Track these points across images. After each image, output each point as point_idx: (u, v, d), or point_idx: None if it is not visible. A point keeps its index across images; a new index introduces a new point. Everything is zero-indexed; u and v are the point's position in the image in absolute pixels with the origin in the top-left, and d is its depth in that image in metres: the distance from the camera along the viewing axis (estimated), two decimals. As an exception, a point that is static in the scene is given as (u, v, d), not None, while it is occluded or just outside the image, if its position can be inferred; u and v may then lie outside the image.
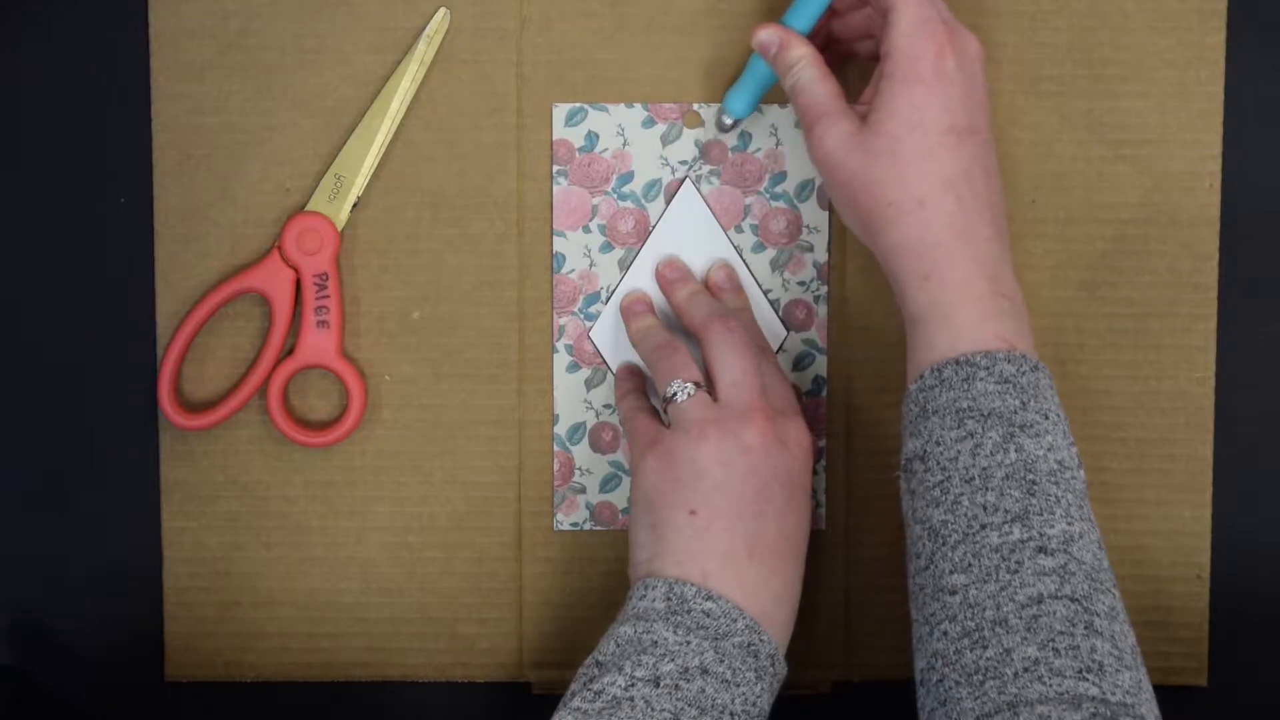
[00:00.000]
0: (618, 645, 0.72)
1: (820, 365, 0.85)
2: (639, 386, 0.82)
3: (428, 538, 0.86)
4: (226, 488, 0.86)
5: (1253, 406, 0.85)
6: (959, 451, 0.68)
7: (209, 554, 0.86)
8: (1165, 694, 0.85)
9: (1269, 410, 0.86)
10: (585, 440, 0.84)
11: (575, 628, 0.86)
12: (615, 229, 0.84)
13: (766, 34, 0.77)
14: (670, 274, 0.83)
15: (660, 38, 0.84)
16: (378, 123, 0.84)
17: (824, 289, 0.84)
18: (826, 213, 0.84)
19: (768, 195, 0.84)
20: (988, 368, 0.69)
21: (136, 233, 0.85)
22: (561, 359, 0.84)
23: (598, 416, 0.85)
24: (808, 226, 0.84)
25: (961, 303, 0.71)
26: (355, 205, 0.85)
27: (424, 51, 0.84)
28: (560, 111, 0.83)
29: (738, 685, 0.71)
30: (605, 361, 0.84)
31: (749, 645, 0.72)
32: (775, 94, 0.83)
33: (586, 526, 0.85)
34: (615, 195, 0.84)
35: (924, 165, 0.71)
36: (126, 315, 0.86)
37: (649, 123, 0.83)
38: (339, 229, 0.84)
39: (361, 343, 0.85)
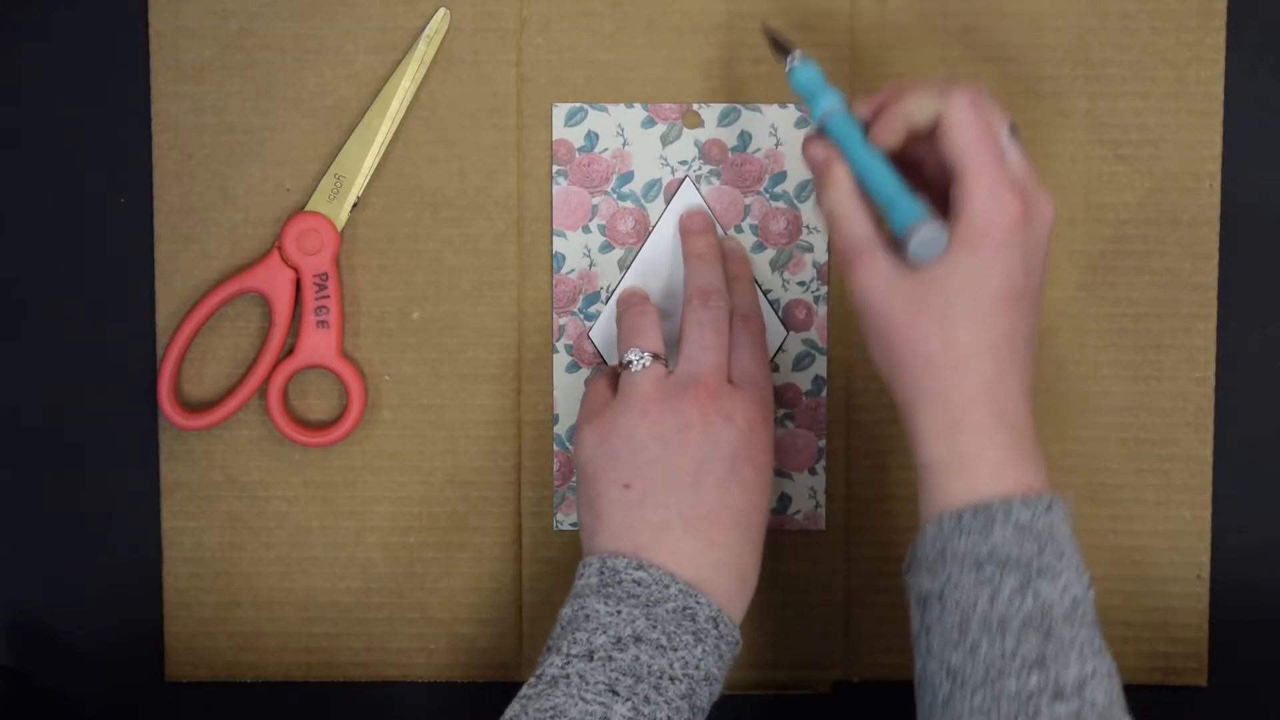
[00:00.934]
0: (560, 627, 0.73)
1: (820, 365, 0.85)
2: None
3: (428, 538, 0.86)
4: (226, 488, 0.86)
5: (1253, 407, 0.85)
6: (978, 597, 0.69)
7: (209, 554, 0.86)
8: (1165, 694, 0.85)
9: (1269, 410, 0.86)
10: None
11: (575, 628, 0.86)
12: (615, 229, 0.84)
13: (815, 150, 0.74)
14: (692, 224, 0.83)
15: (660, 38, 0.84)
16: (378, 123, 0.84)
17: (824, 289, 0.84)
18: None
19: (767, 195, 0.84)
20: (1005, 515, 0.69)
21: (136, 233, 0.85)
22: (561, 359, 0.84)
23: None
24: (807, 227, 0.84)
25: (982, 452, 0.71)
26: (355, 205, 0.85)
27: (424, 51, 0.84)
28: (560, 111, 0.83)
29: (674, 649, 0.71)
30: (604, 361, 0.84)
31: (684, 609, 0.72)
32: (776, 94, 0.83)
33: None
34: (615, 195, 0.84)
35: (971, 328, 0.70)
36: (126, 315, 0.86)
37: (649, 123, 0.83)
38: (339, 229, 0.84)
39: (361, 343, 0.85)
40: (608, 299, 0.84)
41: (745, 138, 0.83)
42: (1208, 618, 0.85)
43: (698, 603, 0.72)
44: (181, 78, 0.85)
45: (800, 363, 0.84)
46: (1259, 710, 0.86)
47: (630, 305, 0.82)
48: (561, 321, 0.84)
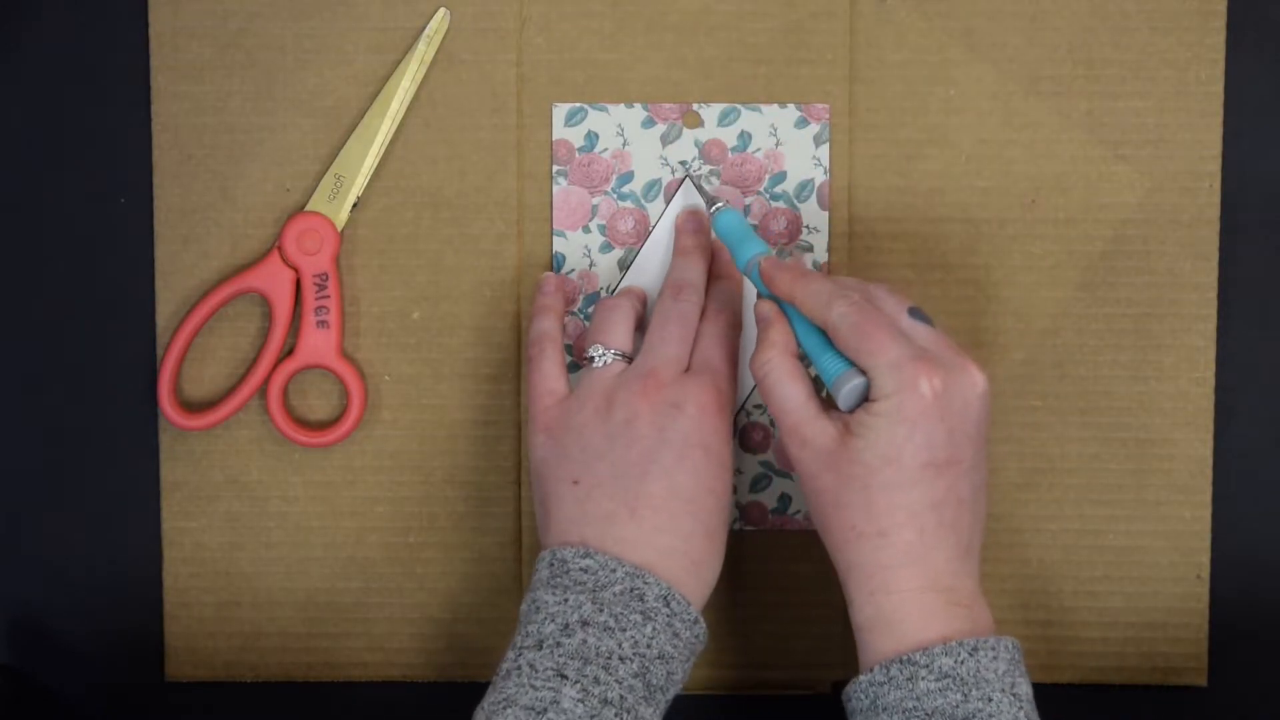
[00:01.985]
0: (518, 623, 0.74)
1: None
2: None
3: (428, 538, 0.86)
4: (226, 488, 0.86)
5: (1252, 407, 0.85)
6: None
7: (209, 554, 0.86)
8: (1165, 694, 0.85)
9: (1269, 410, 0.86)
10: None
11: (575, 628, 0.86)
12: (615, 229, 0.84)
13: (763, 308, 0.78)
14: (685, 223, 0.83)
15: (660, 38, 0.84)
16: (378, 123, 0.84)
17: None
18: (826, 213, 0.84)
19: (767, 195, 0.84)
20: (927, 665, 0.70)
21: (136, 233, 0.85)
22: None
23: None
24: (808, 227, 0.84)
25: (906, 615, 0.72)
26: (355, 205, 0.85)
27: (424, 51, 0.84)
28: (560, 111, 0.83)
29: (623, 630, 0.72)
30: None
31: (631, 590, 0.73)
32: (776, 93, 0.83)
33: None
34: (615, 195, 0.84)
35: (893, 498, 0.72)
36: (126, 315, 0.86)
37: (649, 123, 0.83)
38: (339, 229, 0.84)
39: (361, 343, 0.85)
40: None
41: (745, 138, 0.83)
42: (1207, 618, 0.85)
43: (645, 583, 0.73)
44: (181, 78, 0.85)
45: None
46: (1259, 710, 0.86)
47: (606, 300, 0.82)
48: None
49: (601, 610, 0.72)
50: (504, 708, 0.70)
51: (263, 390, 0.85)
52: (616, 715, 0.70)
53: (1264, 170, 0.85)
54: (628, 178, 0.84)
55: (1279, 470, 0.86)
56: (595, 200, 0.84)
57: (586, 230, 0.84)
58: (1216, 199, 0.84)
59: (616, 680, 0.71)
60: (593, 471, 0.76)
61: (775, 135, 0.83)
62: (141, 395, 0.86)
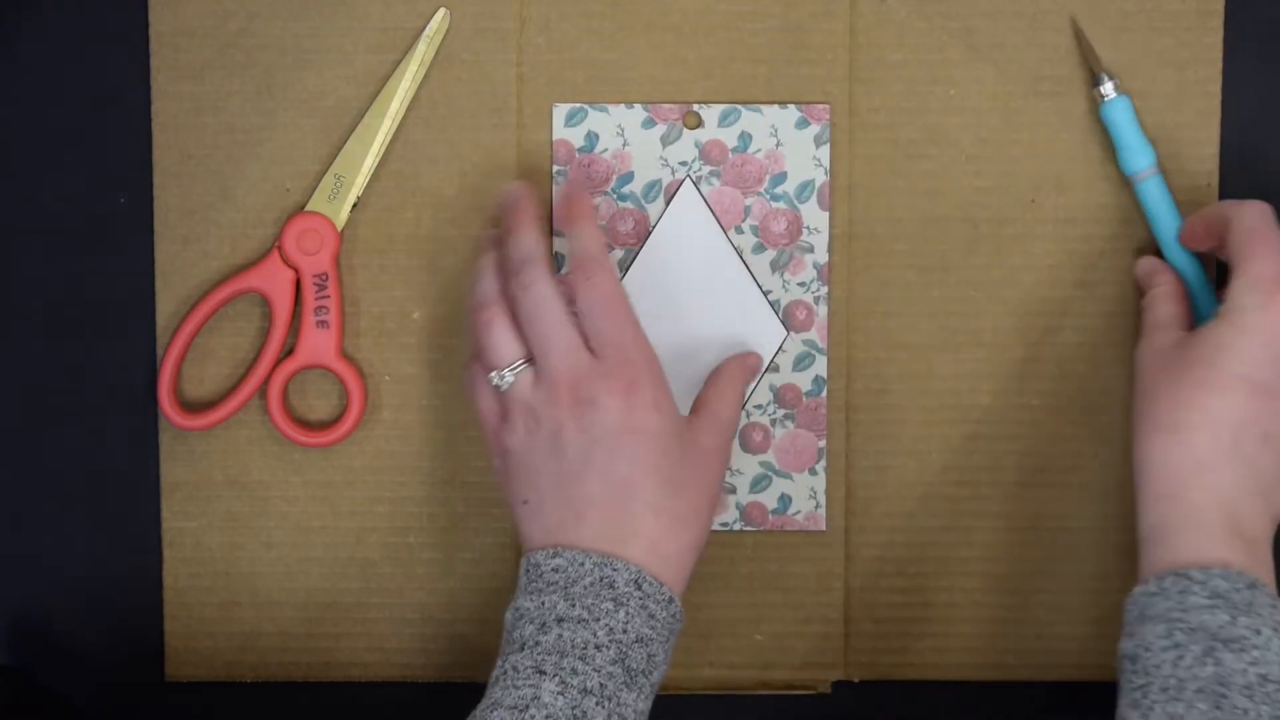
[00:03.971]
0: (503, 634, 0.75)
1: (820, 365, 0.85)
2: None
3: (427, 538, 0.86)
4: (226, 488, 0.86)
5: (1251, 405, 0.85)
6: (1163, 661, 0.70)
7: (209, 554, 0.86)
8: (1164, 692, 0.85)
9: (1267, 409, 0.86)
10: None
11: (575, 627, 0.86)
12: (615, 230, 0.84)
13: (1144, 264, 0.83)
14: (504, 199, 0.80)
15: (660, 38, 0.84)
16: (378, 123, 0.84)
17: (824, 289, 0.84)
18: (827, 213, 0.84)
19: (768, 196, 0.84)
20: (1202, 582, 0.70)
21: (136, 233, 0.85)
22: None
23: None
24: (808, 228, 0.84)
25: (1188, 526, 0.72)
26: (355, 205, 0.85)
27: (424, 51, 0.84)
28: (560, 112, 0.83)
29: (596, 619, 0.72)
30: None
31: (602, 579, 0.73)
32: (777, 93, 0.84)
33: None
34: (615, 196, 0.84)
35: (1197, 396, 0.74)
36: (126, 315, 0.85)
37: (649, 123, 0.83)
38: (339, 229, 0.84)
39: (361, 343, 0.85)
40: None
41: (745, 138, 0.83)
42: (1207, 616, 0.86)
43: (614, 569, 0.73)
44: (181, 78, 0.85)
45: (800, 363, 0.84)
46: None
47: (476, 311, 0.78)
48: None
49: (574, 605, 0.72)
50: (490, 710, 0.70)
51: (263, 390, 0.85)
52: (598, 703, 0.70)
53: (1262, 170, 0.85)
54: (628, 178, 0.84)
55: (1278, 469, 0.86)
56: (595, 201, 0.84)
57: None
58: (1215, 198, 0.84)
59: (594, 669, 0.71)
60: (537, 489, 0.76)
61: (776, 136, 0.83)
62: (141, 395, 0.86)
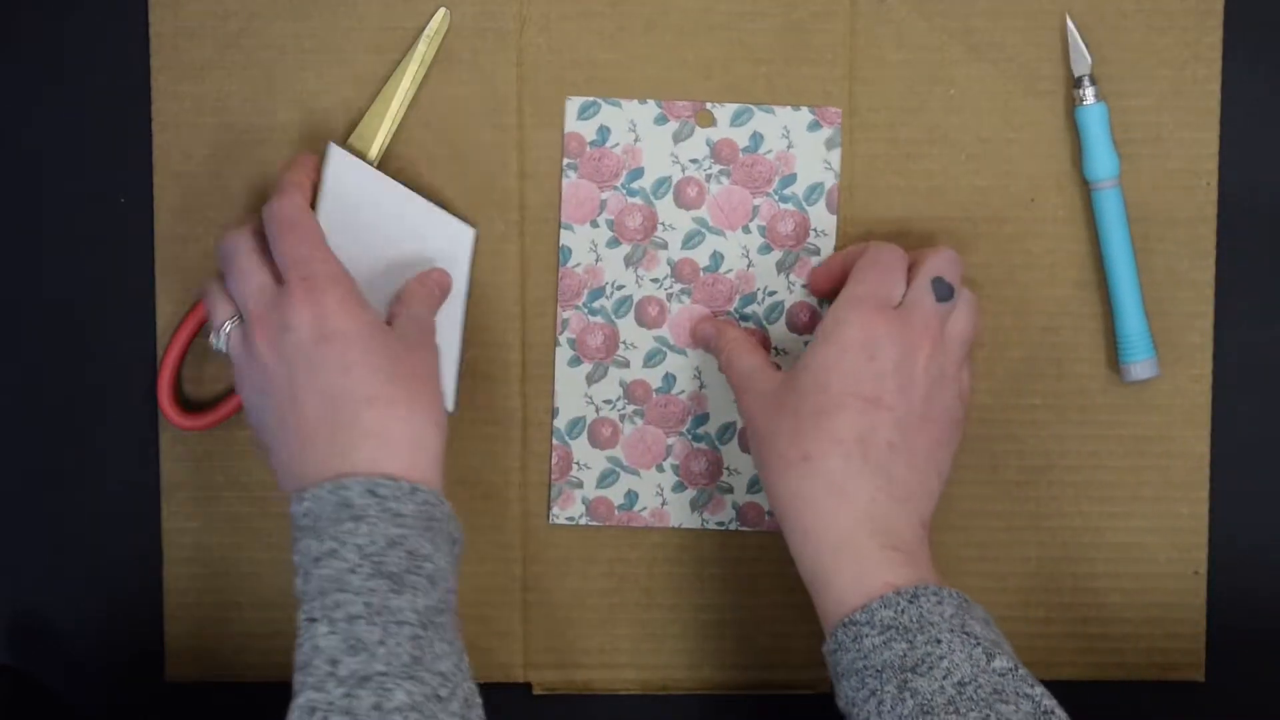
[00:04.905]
0: None
1: None
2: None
3: (427, 537, 0.86)
4: (226, 488, 0.86)
5: (1249, 404, 0.86)
6: (868, 712, 0.71)
7: (209, 554, 0.86)
8: (1163, 689, 0.86)
9: (1266, 408, 0.86)
10: (585, 435, 0.85)
11: (575, 628, 0.86)
12: (623, 225, 0.84)
13: (703, 328, 0.83)
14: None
15: (660, 38, 0.84)
16: (378, 123, 0.84)
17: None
18: (835, 216, 0.84)
19: (776, 197, 0.84)
20: (868, 621, 0.71)
21: (136, 233, 0.85)
22: (564, 352, 0.84)
23: (598, 412, 0.85)
24: (815, 230, 0.84)
25: (842, 561, 0.73)
26: (355, 205, 0.85)
27: (424, 51, 0.84)
28: (573, 105, 0.83)
29: (343, 544, 0.70)
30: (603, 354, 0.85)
31: (339, 503, 0.71)
32: (777, 93, 0.84)
33: (582, 521, 0.85)
34: (624, 191, 0.83)
35: (819, 422, 0.74)
36: (126, 315, 0.85)
37: (661, 119, 0.83)
38: (339, 229, 0.84)
39: (362, 342, 0.85)
40: (612, 294, 0.84)
41: (757, 138, 0.83)
42: (1205, 613, 0.86)
43: (346, 489, 0.71)
44: (181, 78, 0.84)
45: None
46: (1256, 705, 0.87)
47: (213, 276, 0.79)
48: (565, 315, 0.84)
49: (324, 539, 0.71)
50: (293, 678, 0.70)
51: (263, 390, 0.85)
52: (368, 624, 0.69)
53: (1261, 168, 0.85)
54: (638, 173, 0.83)
55: (1276, 467, 0.86)
56: (604, 195, 0.83)
57: (594, 225, 0.84)
58: (1214, 197, 0.85)
59: (354, 593, 0.70)
60: (271, 432, 0.75)
61: (787, 137, 0.83)
62: (141, 395, 0.86)
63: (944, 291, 0.76)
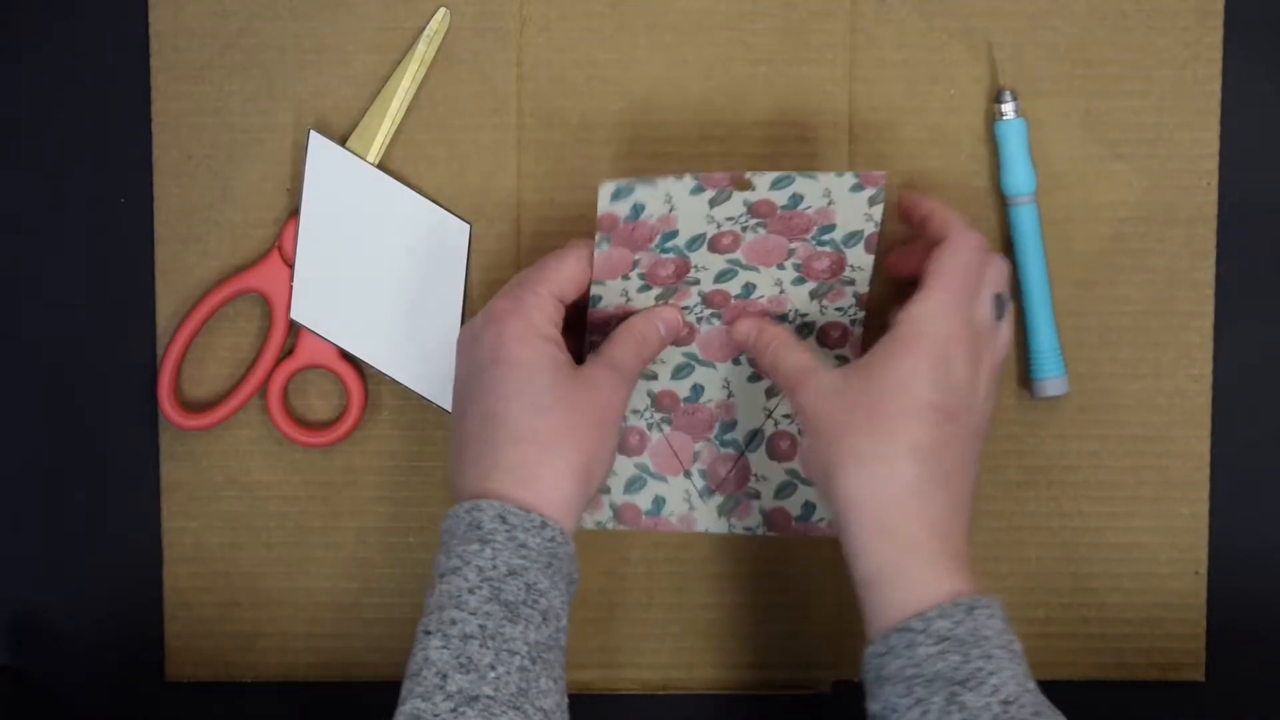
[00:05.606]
0: None
1: None
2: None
3: (427, 538, 0.86)
4: (226, 488, 0.86)
5: (1250, 404, 0.86)
6: (911, 719, 0.70)
7: (209, 554, 0.86)
8: (1163, 690, 0.86)
9: (1266, 408, 0.86)
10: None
11: (575, 628, 0.86)
12: (655, 273, 0.79)
13: (743, 327, 0.81)
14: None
15: (660, 38, 0.84)
16: (378, 123, 0.84)
17: (861, 313, 0.82)
18: (872, 256, 0.79)
19: (814, 241, 0.79)
20: (924, 630, 0.71)
21: (136, 233, 0.85)
22: None
23: (625, 420, 0.83)
24: (851, 266, 0.79)
25: (909, 563, 0.72)
26: (355, 205, 0.85)
27: (424, 51, 0.84)
28: (606, 191, 0.75)
29: (467, 564, 0.72)
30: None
31: (470, 523, 0.73)
32: (777, 93, 0.84)
33: (610, 526, 0.85)
34: (658, 250, 0.78)
35: (900, 425, 0.73)
36: (126, 315, 0.85)
37: (698, 190, 0.76)
38: (339, 228, 0.84)
39: (362, 342, 0.85)
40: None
41: (796, 199, 0.77)
42: (1205, 613, 0.86)
43: (479, 511, 0.73)
44: (181, 78, 0.84)
45: None
46: (1256, 705, 0.87)
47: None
48: (592, 338, 0.82)
49: (450, 556, 0.73)
50: (406, 680, 0.71)
51: (263, 390, 0.85)
52: (481, 645, 0.70)
53: (1261, 168, 0.85)
54: (672, 235, 0.78)
55: (1276, 467, 0.86)
56: (637, 256, 0.78)
57: (625, 278, 0.79)
58: (1214, 197, 0.85)
59: (470, 613, 0.71)
60: (450, 437, 0.78)
61: (829, 197, 0.77)
62: (141, 395, 0.86)
63: (1001, 309, 0.77)
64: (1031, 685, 0.71)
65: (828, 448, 0.74)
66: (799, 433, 0.82)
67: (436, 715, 0.68)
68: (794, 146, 0.84)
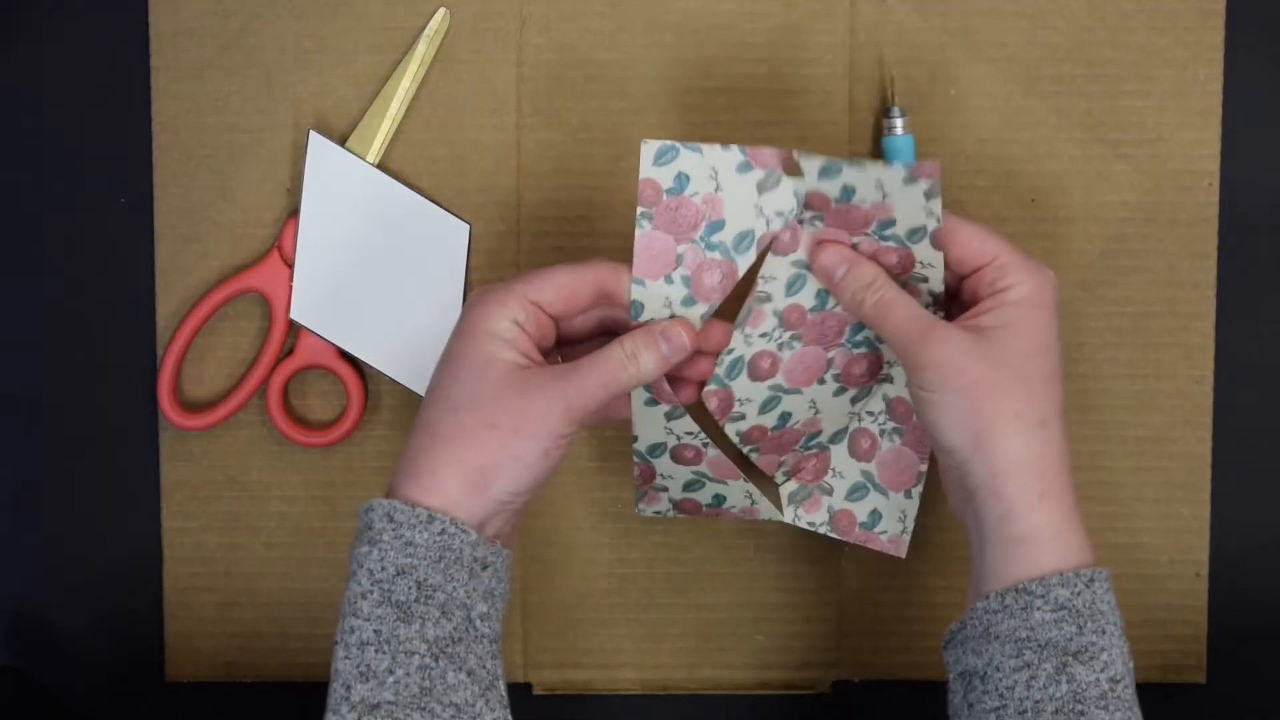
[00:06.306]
0: None
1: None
2: None
3: (428, 537, 0.86)
4: (226, 488, 0.86)
5: (1251, 404, 0.86)
6: (1016, 681, 0.70)
7: (209, 554, 0.86)
8: (1164, 691, 0.86)
9: (1267, 408, 0.86)
10: (666, 455, 0.80)
11: (575, 628, 0.86)
12: (700, 282, 0.74)
13: (831, 256, 0.75)
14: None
15: (660, 37, 0.84)
16: (378, 123, 0.84)
17: (940, 313, 0.76)
18: (940, 253, 0.74)
19: (876, 236, 0.74)
20: (1043, 595, 0.70)
21: (136, 233, 0.85)
22: (639, 394, 0.77)
23: (679, 439, 0.79)
24: (922, 263, 0.74)
25: (1069, 526, 0.71)
26: (355, 205, 0.85)
27: (424, 51, 0.84)
28: (649, 149, 0.72)
29: (361, 567, 0.71)
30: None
31: (365, 525, 0.71)
32: (777, 93, 0.84)
33: (669, 515, 0.83)
34: (703, 244, 0.74)
35: (1049, 387, 0.72)
36: (126, 315, 0.86)
37: (745, 167, 0.73)
38: (339, 229, 0.84)
39: (362, 342, 0.85)
40: (722, 359, 0.77)
41: (848, 191, 0.73)
42: (1206, 615, 0.86)
43: (370, 511, 0.71)
44: (181, 78, 0.85)
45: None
46: (1257, 707, 0.87)
47: None
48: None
49: (351, 560, 0.72)
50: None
51: (263, 390, 0.85)
52: (377, 651, 0.69)
53: (1262, 169, 0.85)
54: (718, 226, 0.74)
55: (1277, 468, 0.86)
56: (680, 248, 0.74)
57: (669, 280, 0.74)
58: (1215, 197, 0.84)
59: (365, 619, 0.70)
60: None
61: (882, 189, 0.72)
62: (141, 395, 0.86)
63: None
64: (1132, 665, 0.70)
65: (980, 408, 0.71)
66: (920, 390, 0.73)
67: None
68: (794, 146, 0.83)
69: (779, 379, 0.79)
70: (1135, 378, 0.85)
